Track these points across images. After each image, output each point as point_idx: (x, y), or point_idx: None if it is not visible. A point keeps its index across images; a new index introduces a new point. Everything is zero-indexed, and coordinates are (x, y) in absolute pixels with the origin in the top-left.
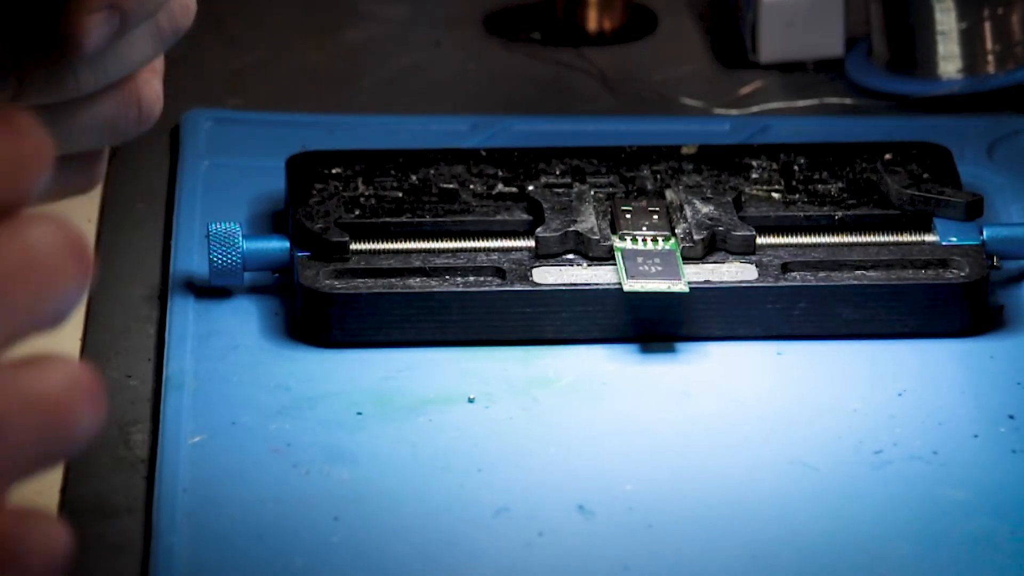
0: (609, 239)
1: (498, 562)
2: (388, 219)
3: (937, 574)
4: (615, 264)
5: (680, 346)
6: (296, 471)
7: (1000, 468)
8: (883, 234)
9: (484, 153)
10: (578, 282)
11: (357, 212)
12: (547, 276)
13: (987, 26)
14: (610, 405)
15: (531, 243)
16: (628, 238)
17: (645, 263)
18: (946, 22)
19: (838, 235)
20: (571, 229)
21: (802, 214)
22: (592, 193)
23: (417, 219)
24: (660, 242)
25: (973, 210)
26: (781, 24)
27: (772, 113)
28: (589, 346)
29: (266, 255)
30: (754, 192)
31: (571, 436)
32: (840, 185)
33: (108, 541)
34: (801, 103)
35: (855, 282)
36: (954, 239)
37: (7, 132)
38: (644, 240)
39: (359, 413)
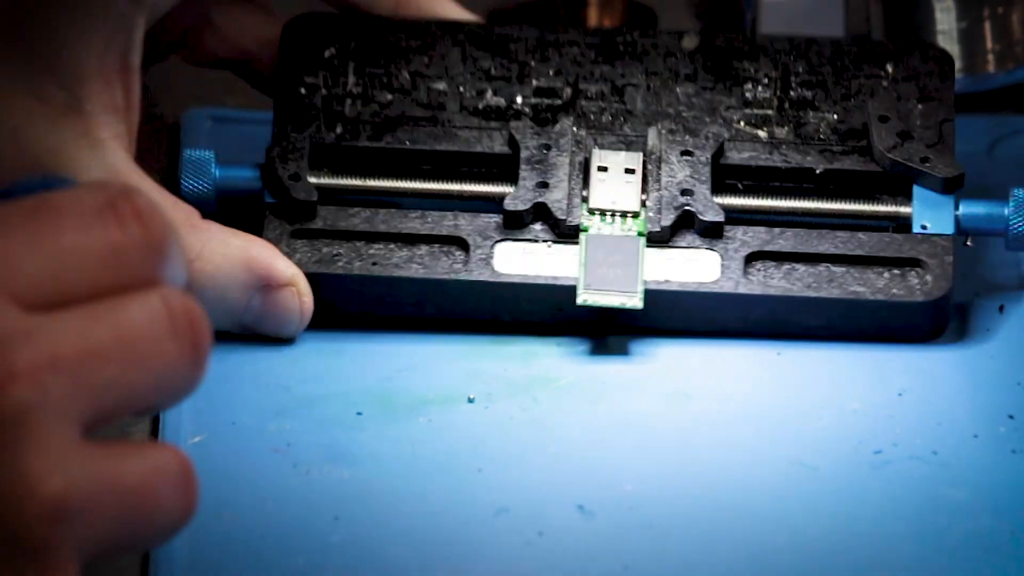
0: (578, 216)
1: (498, 562)
2: (367, 143)
3: (937, 574)
4: (579, 244)
5: (680, 346)
6: (296, 471)
7: (1000, 468)
8: (859, 202)
9: (482, 31)
10: (536, 274)
11: (339, 130)
12: (509, 258)
13: (987, 26)
14: (610, 405)
15: (499, 218)
16: (597, 214)
17: (606, 262)
18: (946, 22)
19: (814, 200)
20: (540, 200)
21: (784, 165)
22: (572, 130)
23: (397, 144)
24: (629, 220)
25: (951, 185)
26: (781, 23)
27: None
28: (589, 346)
29: (238, 184)
30: (742, 128)
31: (571, 436)
32: (833, 118)
33: None
34: None
35: (812, 294)
36: (927, 225)
37: (121, 217)
38: (612, 217)
39: (359, 413)
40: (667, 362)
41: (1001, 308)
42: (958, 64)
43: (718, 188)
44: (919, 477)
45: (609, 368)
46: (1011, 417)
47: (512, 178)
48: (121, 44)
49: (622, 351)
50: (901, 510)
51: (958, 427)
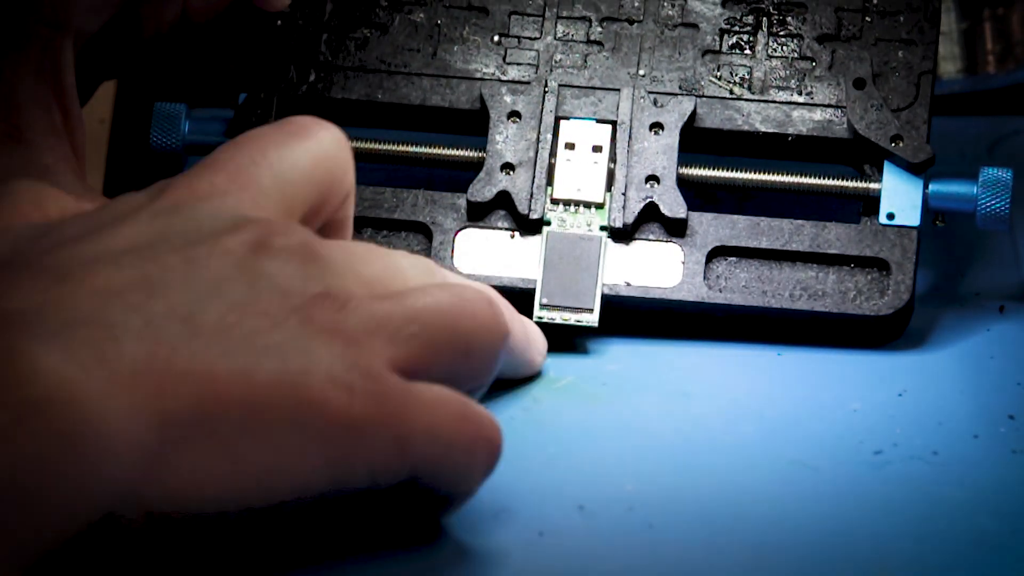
0: (541, 207)
1: (498, 562)
2: (339, 95)
3: (937, 574)
4: (540, 239)
5: (680, 346)
6: None
7: (1000, 468)
8: (829, 177)
9: None
10: (496, 274)
11: (311, 77)
12: (470, 249)
13: (987, 26)
14: (610, 405)
15: (462, 202)
16: (560, 204)
17: (566, 264)
18: (946, 22)
19: (783, 174)
20: (503, 188)
21: (758, 129)
22: (544, 87)
23: (367, 97)
24: (593, 211)
25: (919, 168)
26: None
27: None
28: (589, 346)
29: (207, 140)
30: (716, 84)
31: (571, 436)
32: (810, 66)
33: None
34: None
35: (767, 304)
36: (894, 215)
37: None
38: (576, 207)
39: None
40: (667, 362)
41: (1001, 308)
42: (958, 64)
43: (686, 148)
44: (919, 477)
45: (609, 368)
46: (1011, 417)
47: (482, 132)
48: (51, 69)
49: (622, 352)
50: (901, 510)
51: (958, 427)
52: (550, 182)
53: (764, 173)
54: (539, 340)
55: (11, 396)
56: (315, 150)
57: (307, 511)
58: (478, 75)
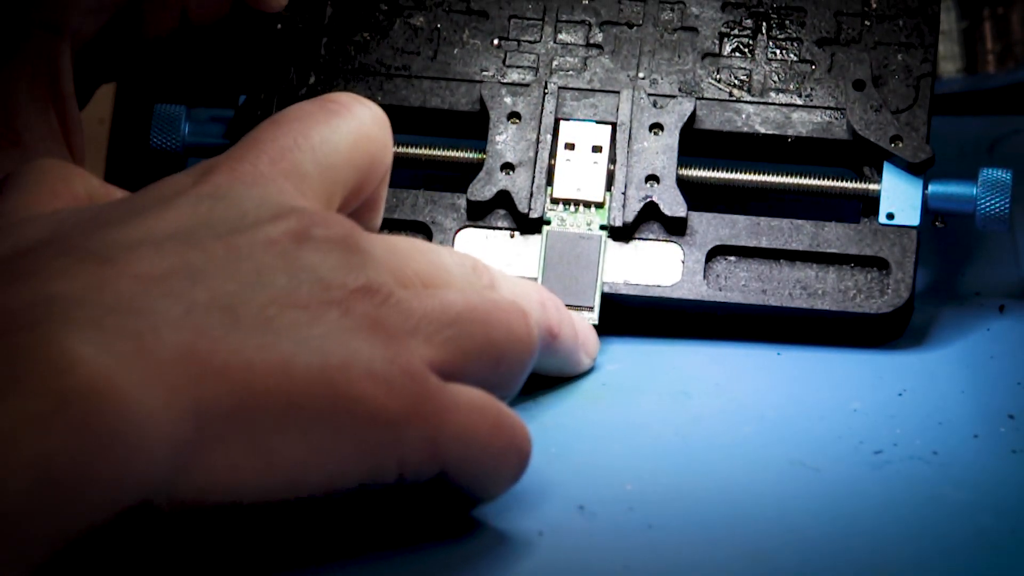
0: (541, 207)
1: (498, 562)
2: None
3: (937, 574)
4: (540, 238)
5: (680, 346)
6: None
7: (1000, 468)
8: (828, 178)
9: None
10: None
11: (311, 79)
12: (471, 248)
13: (987, 26)
14: (610, 405)
15: (462, 202)
16: (560, 204)
17: (566, 263)
18: (946, 21)
19: (783, 175)
20: (503, 188)
21: (758, 131)
22: (543, 88)
23: (367, 94)
24: (592, 210)
25: (918, 168)
26: None
27: None
28: None
29: (207, 141)
30: (716, 86)
31: (571, 436)
32: (810, 69)
33: None
34: None
35: (766, 303)
36: (894, 215)
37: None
38: (576, 207)
39: None
40: (667, 362)
41: (1001, 308)
42: (958, 64)
43: (686, 151)
44: (919, 477)
45: (609, 368)
46: (1011, 417)
47: (481, 135)
48: (48, 73)
49: (622, 352)
50: (901, 510)
51: (958, 427)
52: (550, 182)
53: (762, 174)
54: (590, 341)
55: (49, 386)
56: (356, 131)
57: (330, 504)
58: (478, 77)
